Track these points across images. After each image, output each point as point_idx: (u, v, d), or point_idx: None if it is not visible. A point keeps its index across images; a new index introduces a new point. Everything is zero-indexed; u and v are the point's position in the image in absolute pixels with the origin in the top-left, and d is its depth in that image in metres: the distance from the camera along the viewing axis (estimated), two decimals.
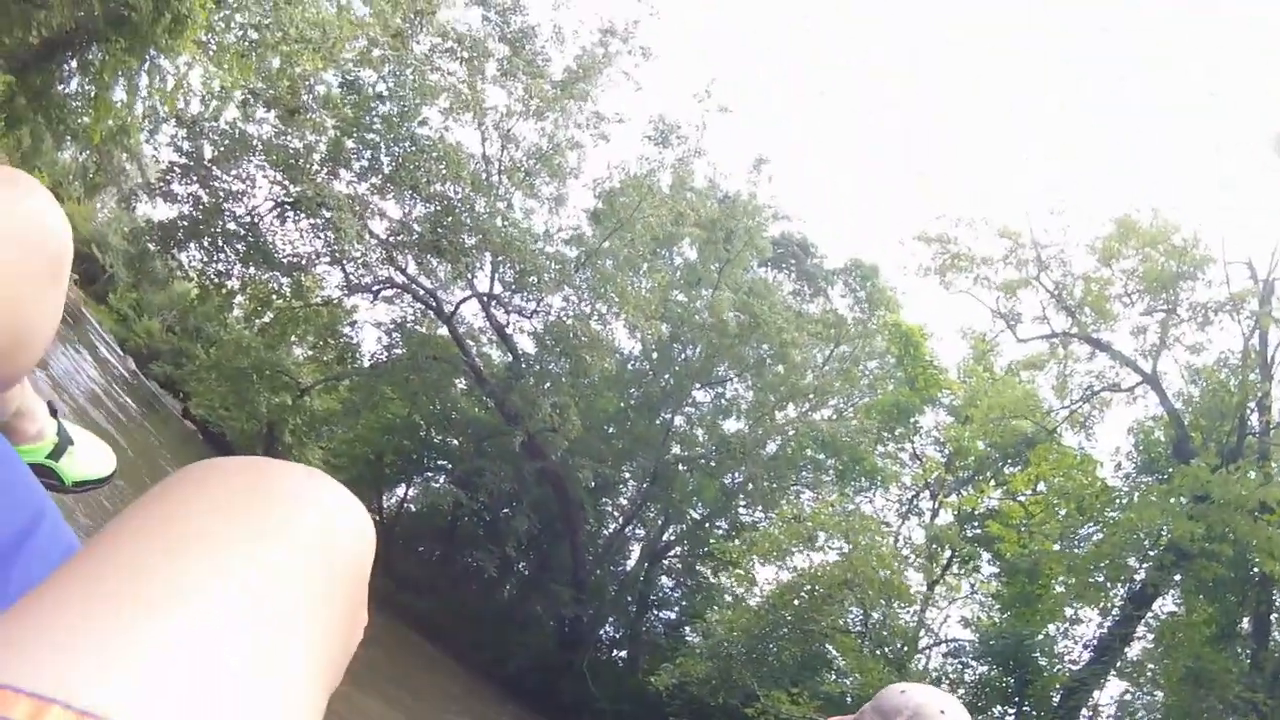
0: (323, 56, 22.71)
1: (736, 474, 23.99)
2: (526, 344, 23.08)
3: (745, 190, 22.31)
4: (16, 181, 0.61)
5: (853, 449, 22.79)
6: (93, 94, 28.35)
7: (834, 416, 22.97)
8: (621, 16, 19.78)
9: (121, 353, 25.02)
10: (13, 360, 0.62)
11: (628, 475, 25.46)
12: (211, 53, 27.62)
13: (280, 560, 0.41)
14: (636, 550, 26.09)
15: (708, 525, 25.48)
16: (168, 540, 0.40)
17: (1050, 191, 49.22)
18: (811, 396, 22.96)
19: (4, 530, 0.62)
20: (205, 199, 21.01)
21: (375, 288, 22.28)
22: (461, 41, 20.22)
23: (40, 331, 0.61)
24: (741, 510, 25.45)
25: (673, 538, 25.83)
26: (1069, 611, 18.56)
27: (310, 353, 25.10)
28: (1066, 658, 18.77)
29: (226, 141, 20.61)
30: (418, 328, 23.32)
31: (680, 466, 23.89)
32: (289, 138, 20.46)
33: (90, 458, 1.07)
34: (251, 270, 21.96)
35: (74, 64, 28.30)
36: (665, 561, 25.78)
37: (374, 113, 20.64)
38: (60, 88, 28.07)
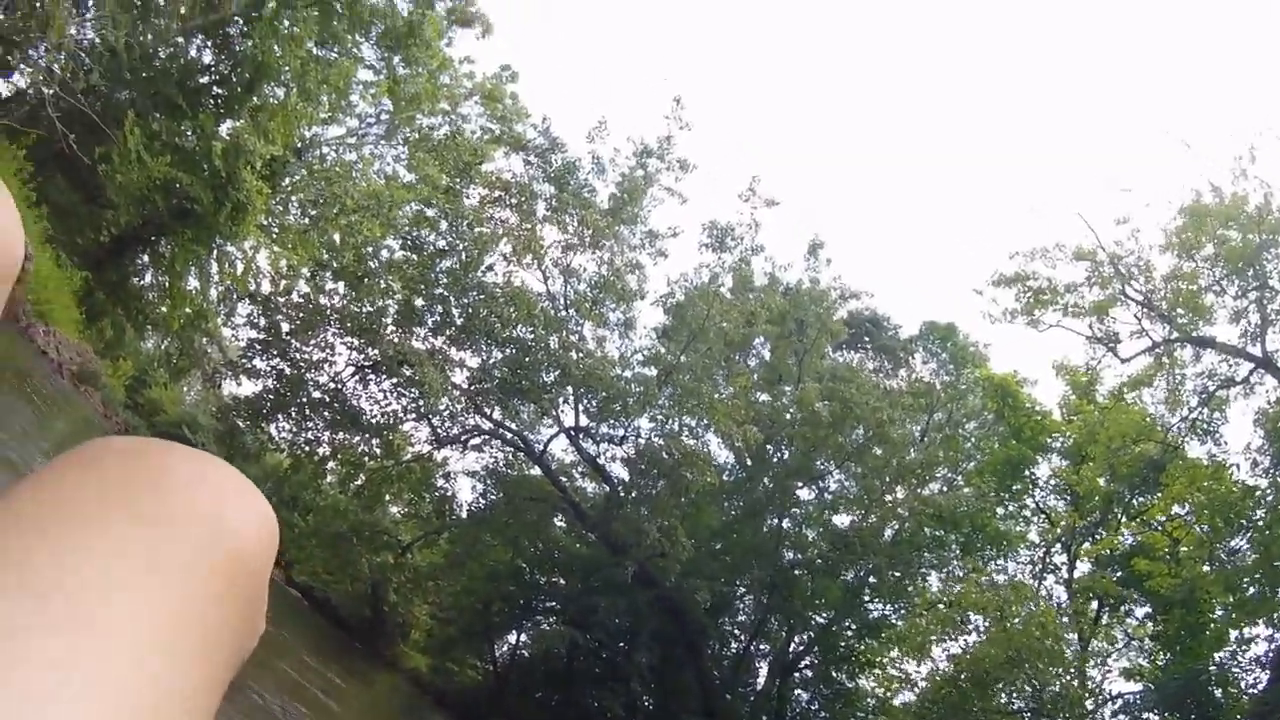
0: (381, 223, 22.60)
1: (856, 569, 22.36)
2: (619, 471, 22.15)
3: (806, 277, 21.48)
4: None
5: (972, 517, 21.24)
6: (167, 284, 29.16)
7: (945, 489, 21.41)
8: (653, 133, 19.34)
9: None
10: None
11: (743, 589, 23.96)
12: (275, 234, 28.12)
13: (169, 551, 0.38)
14: (765, 667, 24.66)
15: (835, 628, 23.81)
16: (50, 523, 0.37)
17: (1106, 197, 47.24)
18: (919, 471, 21.41)
19: None
20: (288, 371, 20.97)
21: (463, 437, 21.75)
22: (509, 189, 20.02)
23: None
24: (869, 605, 23.73)
25: (801, 647, 24.33)
26: (1237, 634, 17.29)
27: (407, 509, 24.54)
28: (1245, 684, 17.13)
29: (301, 314, 20.49)
30: (510, 471, 22.55)
31: (796, 571, 22.38)
32: (361, 304, 20.21)
33: None
34: (341, 435, 21.70)
35: (146, 258, 29.21)
36: (797, 674, 24.20)
37: (438, 269, 20.38)
38: (136, 281, 28.94)
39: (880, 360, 24.56)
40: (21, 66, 25.02)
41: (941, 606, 19.03)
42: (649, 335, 21.74)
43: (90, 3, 26.81)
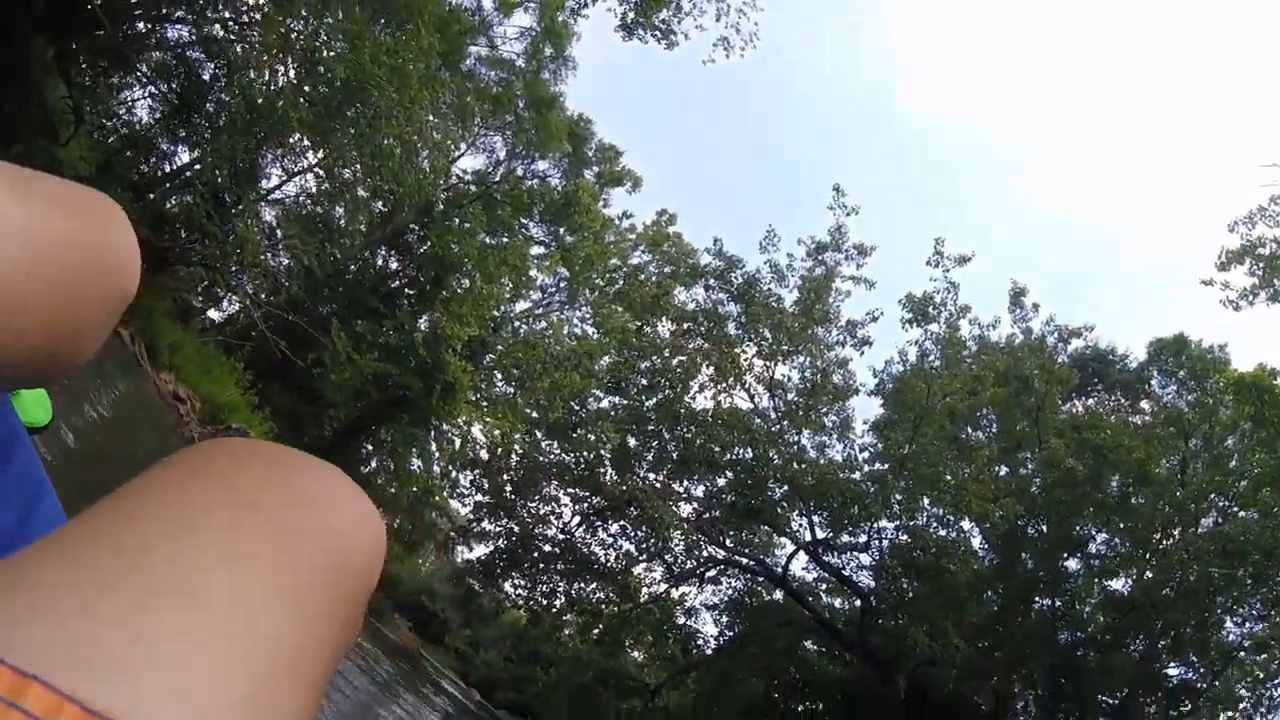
0: (582, 374, 22.81)
1: (1145, 634, 19.82)
2: (866, 580, 20.71)
3: (1018, 329, 19.85)
4: (111, 213, 0.58)
5: (1258, 541, 18.62)
6: (392, 467, 30.18)
7: (1220, 519, 18.98)
8: (821, 228, 18.89)
9: (465, 685, 24.64)
10: (48, 372, 0.56)
11: (1022, 685, 21.57)
12: (484, 407, 28.91)
13: (293, 562, 0.38)
14: None
15: (1134, 706, 20.99)
16: (173, 521, 0.37)
17: None
18: (1190, 508, 19.07)
19: (16, 501, 0.59)
20: (516, 529, 20.83)
21: (699, 571, 20.93)
22: (696, 319, 19.89)
23: (85, 354, 0.57)
24: (1168, 672, 20.95)
25: None
26: None
27: (650, 652, 23.65)
28: None
29: (521, 473, 20.53)
30: (749, 599, 21.50)
31: (1079, 652, 19.99)
32: (577, 454, 20.16)
33: (35, 403, 1.00)
34: (575, 585, 21.26)
35: (369, 446, 30.42)
36: None
37: (645, 407, 20.22)
38: (362, 469, 30.07)
39: (1116, 397, 22.57)
40: (230, 295, 27.17)
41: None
42: (867, 430, 20.74)
43: (279, 233, 29.02)
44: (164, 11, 18.95)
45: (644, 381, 20.76)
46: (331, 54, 20.26)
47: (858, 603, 20.22)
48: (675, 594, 21.79)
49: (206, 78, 19.39)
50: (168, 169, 22.12)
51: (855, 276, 19.06)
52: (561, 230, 29.83)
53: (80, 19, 16.51)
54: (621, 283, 23.23)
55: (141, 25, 18.80)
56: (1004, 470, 19.62)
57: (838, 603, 21.81)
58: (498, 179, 30.74)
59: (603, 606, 21.57)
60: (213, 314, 26.64)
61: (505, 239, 29.16)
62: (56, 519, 0.65)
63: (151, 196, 21.04)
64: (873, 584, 19.89)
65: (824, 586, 21.74)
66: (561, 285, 30.75)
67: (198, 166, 20.11)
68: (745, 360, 19.83)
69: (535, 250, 29.73)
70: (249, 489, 0.40)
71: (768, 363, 19.73)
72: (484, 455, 22.70)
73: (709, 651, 21.87)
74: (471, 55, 28.90)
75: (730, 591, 21.70)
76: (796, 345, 19.38)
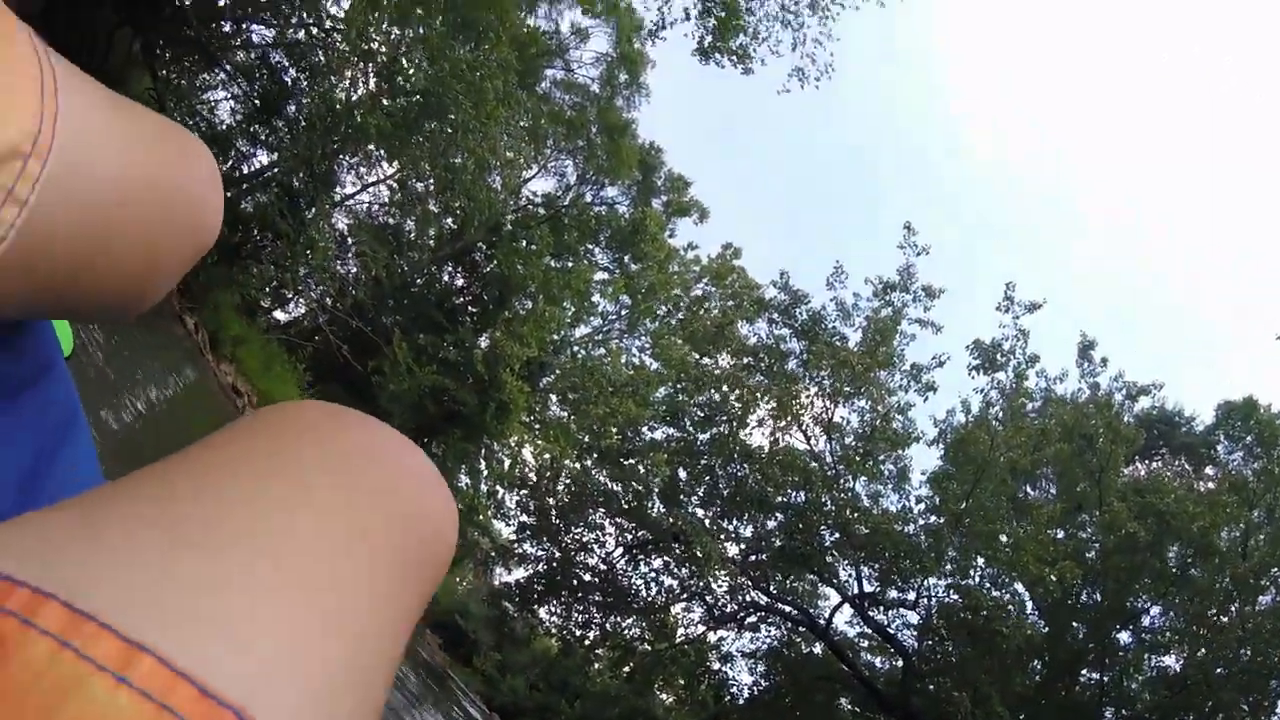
0: (638, 402, 22.32)
1: (1196, 716, 18.47)
2: (909, 639, 19.63)
3: (1085, 384, 18.82)
4: (201, 156, 0.58)
5: None
6: None
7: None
8: (887, 264, 18.15)
9: (489, 710, 24.10)
10: (121, 307, 0.56)
11: None
12: (537, 429, 28.59)
13: (380, 521, 0.38)
14: None
15: None
16: (254, 474, 0.36)
17: None
18: (1253, 581, 17.79)
19: (52, 425, 0.57)
20: (557, 555, 20.30)
21: (740, 615, 20.11)
22: (756, 354, 19.26)
23: (157, 293, 0.57)
24: None
25: None
26: None
27: (680, 695, 22.81)
28: None
29: (568, 498, 20.03)
30: (788, 650, 20.59)
31: None
32: (627, 484, 19.60)
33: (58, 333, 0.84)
34: (611, 618, 20.58)
35: None
36: None
37: (699, 442, 19.59)
38: None
39: (1180, 462, 21.30)
40: (297, 298, 27.32)
41: None
42: (924, 482, 19.79)
43: (350, 242, 29.19)
44: (250, 12, 19.12)
45: (700, 414, 20.16)
46: (411, 66, 20.27)
47: (900, 663, 19.23)
48: (712, 637, 21.02)
49: (288, 80, 19.47)
50: (246, 170, 22.32)
51: (922, 320, 18.29)
52: (626, 258, 29.55)
53: (166, 15, 16.67)
54: (684, 313, 22.72)
55: (227, 25, 18.97)
56: (1061, 533, 18.49)
57: (878, 661, 20.82)
58: (567, 203, 30.62)
59: (637, 643, 20.88)
60: (279, 315, 26.73)
61: (570, 263, 28.95)
62: (86, 444, 0.60)
63: (229, 194, 21.16)
64: (917, 644, 18.90)
65: (866, 644, 20.78)
66: (623, 313, 30.40)
67: (275, 170, 20.19)
68: (806, 399, 19.14)
69: (599, 276, 29.46)
70: (332, 450, 0.39)
71: (828, 404, 19.01)
72: (532, 477, 22.28)
73: (741, 701, 20.96)
74: (547, 78, 28.93)
75: (769, 640, 20.84)
76: (858, 387, 18.64)
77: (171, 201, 0.52)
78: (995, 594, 17.27)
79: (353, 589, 0.33)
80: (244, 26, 19.51)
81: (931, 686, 17.43)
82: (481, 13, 21.38)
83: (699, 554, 16.64)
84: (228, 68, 19.24)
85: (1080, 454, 17.79)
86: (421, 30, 19.78)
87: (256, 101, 19.90)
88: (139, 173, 0.48)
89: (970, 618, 16.78)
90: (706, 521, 18.99)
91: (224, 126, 21.53)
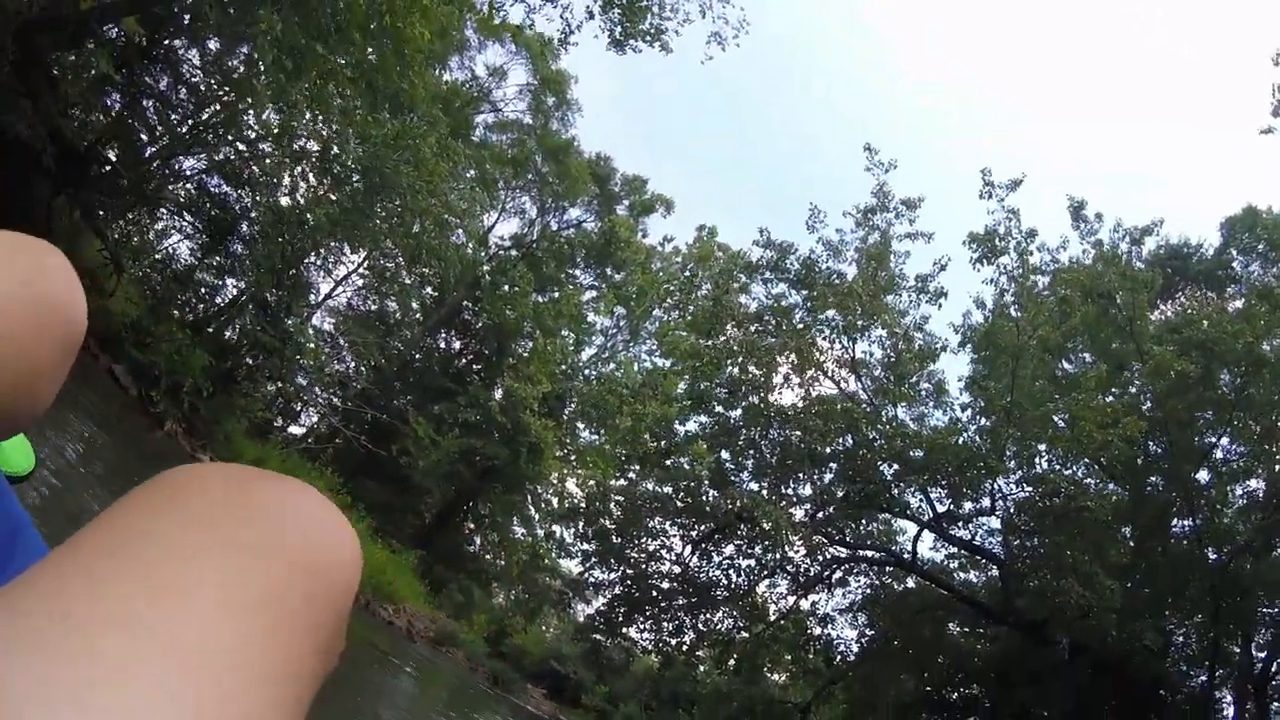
0: (661, 402, 22.00)
1: None
2: (996, 547, 19.07)
3: (1087, 244, 18.26)
4: (44, 255, 0.59)
5: None
6: (496, 539, 29.67)
7: None
8: (860, 191, 17.73)
9: None
10: (14, 420, 0.57)
11: (1178, 617, 19.53)
12: (573, 460, 28.26)
13: (260, 581, 0.37)
14: (1230, 696, 19.46)
15: None
16: (139, 550, 0.36)
17: None
18: None
19: None
20: (629, 573, 19.88)
21: (825, 575, 19.60)
22: (761, 318, 18.84)
23: (47, 397, 0.58)
24: None
25: (1265, 654, 19.12)
26: None
27: (792, 669, 22.30)
28: None
29: (622, 515, 19.67)
30: (882, 594, 20.08)
31: (1231, 566, 18.02)
32: (674, 482, 19.21)
33: (16, 451, 0.93)
34: (701, 617, 20.10)
35: (470, 524, 30.00)
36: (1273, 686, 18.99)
37: (733, 420, 19.20)
38: (467, 546, 29.68)
39: (1202, 290, 20.57)
40: (306, 408, 27.13)
41: None
42: (963, 389, 19.30)
43: (342, 340, 28.99)
44: (175, 146, 18.93)
45: (725, 393, 19.72)
46: (344, 152, 20.04)
47: (994, 571, 18.74)
48: (805, 605, 20.53)
49: (230, 202, 19.28)
50: (220, 301, 22.11)
51: (911, 233, 17.89)
52: (608, 270, 29.30)
53: (94, 174, 16.48)
54: (677, 299, 22.37)
55: (155, 164, 18.78)
56: (1110, 397, 17.90)
57: (973, 577, 20.33)
58: (535, 237, 30.43)
59: (733, 633, 20.37)
60: (294, 429, 26.52)
61: (556, 293, 28.71)
62: (38, 553, 0.61)
63: (210, 330, 20.93)
64: (1005, 548, 18.35)
65: (955, 564, 20.29)
66: (622, 324, 30.11)
67: (246, 292, 19.95)
68: (823, 343, 18.72)
69: (588, 295, 29.21)
70: (215, 511, 0.39)
71: (846, 342, 18.58)
72: (582, 506, 21.94)
73: (852, 658, 20.47)
74: (479, 125, 28.80)
75: (861, 590, 20.36)
76: (870, 318, 18.23)
77: (29, 315, 0.51)
78: (1066, 473, 16.73)
79: (238, 654, 0.32)
80: (172, 162, 19.31)
81: (1032, 584, 16.88)
82: (395, 83, 21.15)
83: (767, 526, 16.15)
84: (169, 206, 19.03)
85: (1105, 313, 17.29)
86: (343, 116, 19.46)
87: (206, 230, 19.71)
88: None
89: (1050, 503, 16.28)
90: (764, 493, 18.53)
91: (184, 266, 21.37)
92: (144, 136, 19.35)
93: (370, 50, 20.85)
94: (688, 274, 23.81)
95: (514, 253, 30.11)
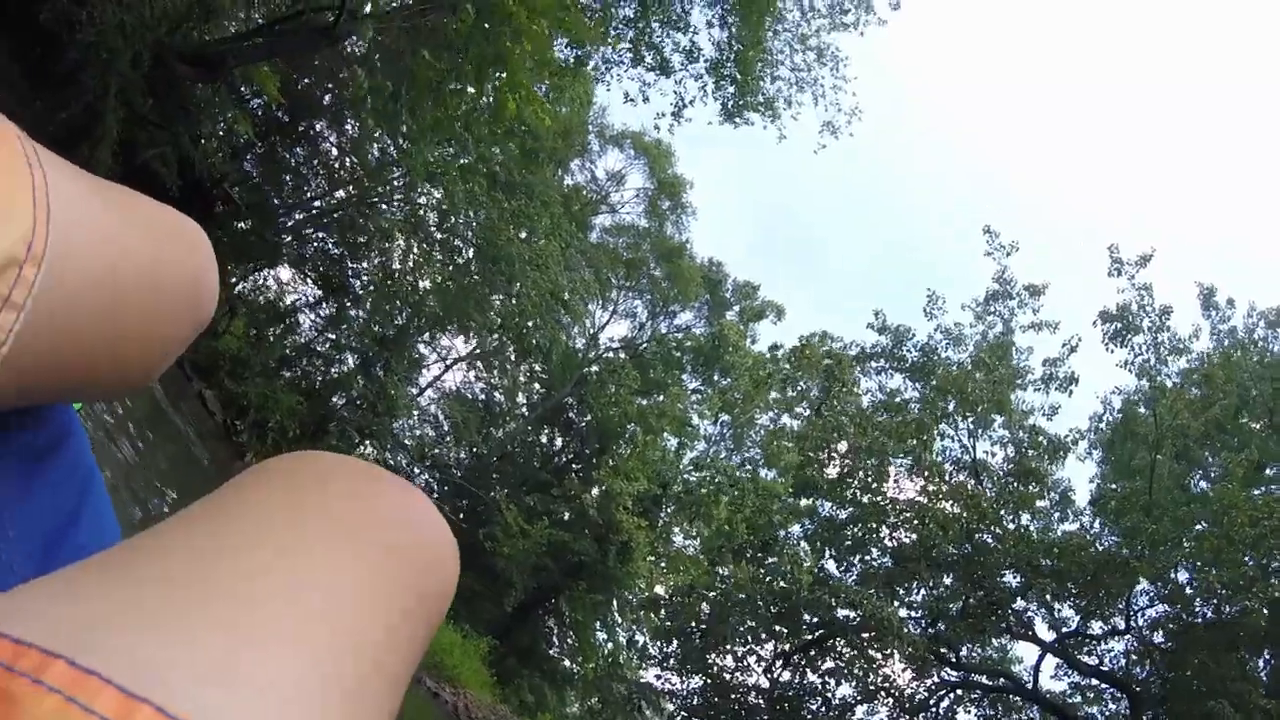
0: (759, 495, 20.31)
1: None
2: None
3: (1217, 330, 16.04)
4: (197, 240, 0.58)
5: None
6: (575, 641, 27.58)
7: None
8: (982, 277, 16.11)
9: None
10: (125, 384, 0.57)
11: None
12: (664, 566, 26.36)
13: (390, 577, 0.38)
14: None
15: None
16: (262, 529, 0.36)
17: None
18: None
19: (73, 488, 0.56)
20: (709, 682, 17.71)
21: (930, 701, 16.88)
22: (871, 420, 17.12)
23: (160, 368, 0.58)
24: None
25: None
26: None
27: None
28: None
29: (709, 613, 17.70)
30: None
31: None
32: (772, 581, 17.21)
33: None
34: None
35: (551, 621, 28.05)
36: None
37: (839, 520, 17.25)
38: (544, 645, 27.65)
39: None
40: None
41: None
42: (1095, 488, 16.90)
43: (445, 424, 28.43)
44: (304, 216, 19.07)
45: (834, 494, 17.77)
46: (457, 220, 19.84)
47: (1121, 705, 15.75)
48: None
49: (342, 253, 19.18)
50: (334, 373, 21.91)
51: (1035, 323, 16.07)
52: (715, 375, 28.09)
53: (218, 210, 16.55)
54: (779, 395, 20.82)
55: (286, 224, 18.88)
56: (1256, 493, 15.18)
57: (1096, 712, 17.28)
58: (645, 340, 29.66)
59: None
60: None
61: (661, 398, 27.58)
62: (105, 506, 0.59)
63: (318, 389, 20.60)
64: (1141, 672, 15.44)
65: (1079, 698, 17.29)
66: (727, 434, 28.60)
67: (349, 342, 19.59)
68: (941, 443, 16.82)
69: (693, 396, 27.94)
70: (335, 500, 0.39)
71: (966, 441, 16.64)
72: (668, 599, 20.04)
73: None
74: (596, 227, 28.68)
75: None
76: (995, 413, 16.32)
77: (167, 285, 0.51)
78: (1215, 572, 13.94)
79: (353, 641, 0.32)
80: (295, 204, 19.39)
81: (1173, 711, 13.99)
82: (517, 175, 21.10)
83: (878, 622, 13.93)
84: (289, 246, 19.00)
85: (1244, 404, 14.99)
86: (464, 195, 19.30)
87: (319, 289, 19.58)
88: (133, 260, 0.48)
89: (1196, 612, 13.64)
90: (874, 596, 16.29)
91: (307, 338, 21.31)
92: (275, 201, 19.67)
93: (496, 149, 20.98)
94: (789, 375, 22.32)
95: (623, 355, 29.35)
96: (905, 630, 14.61)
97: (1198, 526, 13.76)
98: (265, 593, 0.31)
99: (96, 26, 11.18)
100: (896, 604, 15.51)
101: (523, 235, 19.69)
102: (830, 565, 17.87)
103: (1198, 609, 13.96)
